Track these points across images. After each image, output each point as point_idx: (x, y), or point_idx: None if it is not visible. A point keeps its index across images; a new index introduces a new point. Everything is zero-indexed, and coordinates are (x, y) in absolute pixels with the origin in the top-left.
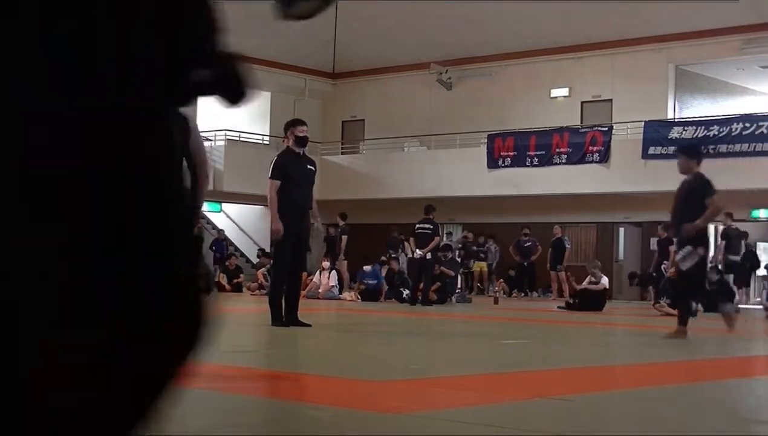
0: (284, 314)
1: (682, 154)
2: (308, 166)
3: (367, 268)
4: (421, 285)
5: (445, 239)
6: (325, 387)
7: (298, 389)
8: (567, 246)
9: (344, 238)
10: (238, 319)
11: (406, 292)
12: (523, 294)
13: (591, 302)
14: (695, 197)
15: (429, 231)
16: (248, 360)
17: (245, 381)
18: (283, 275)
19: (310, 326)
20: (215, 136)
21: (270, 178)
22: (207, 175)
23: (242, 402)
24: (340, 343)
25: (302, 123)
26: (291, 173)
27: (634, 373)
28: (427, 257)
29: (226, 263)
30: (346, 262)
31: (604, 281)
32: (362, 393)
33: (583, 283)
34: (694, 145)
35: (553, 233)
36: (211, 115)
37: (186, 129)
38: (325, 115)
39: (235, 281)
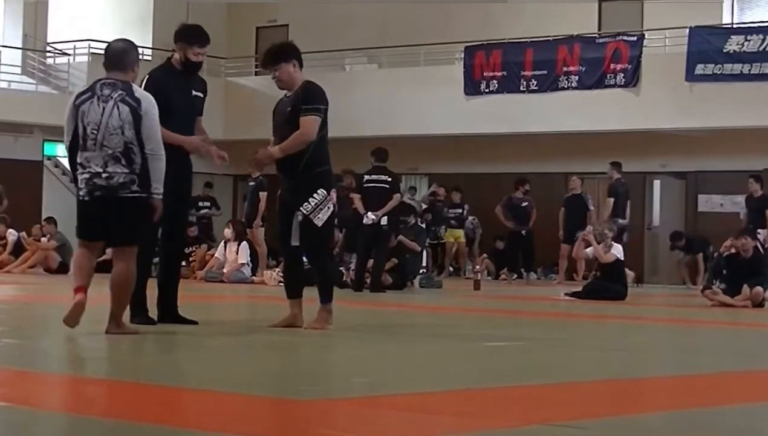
0: (158, 306)
1: (270, 58)
2: (194, 92)
3: None
4: (371, 263)
5: (405, 196)
6: (228, 408)
7: (183, 411)
8: (590, 208)
9: (262, 195)
10: (96, 311)
11: (347, 272)
12: (515, 276)
13: (604, 286)
14: (297, 116)
15: (386, 186)
16: (109, 370)
17: (104, 398)
18: (154, 244)
19: (196, 323)
20: (74, 48)
21: None
22: (160, 155)
23: (100, 430)
24: (250, 347)
25: (202, 40)
26: (169, 100)
27: (671, 388)
28: (382, 224)
29: None
30: (263, 229)
31: (617, 251)
32: (284, 417)
33: (586, 249)
34: (286, 44)
35: (569, 188)
36: (68, 20)
37: (138, 111)
38: (231, 19)
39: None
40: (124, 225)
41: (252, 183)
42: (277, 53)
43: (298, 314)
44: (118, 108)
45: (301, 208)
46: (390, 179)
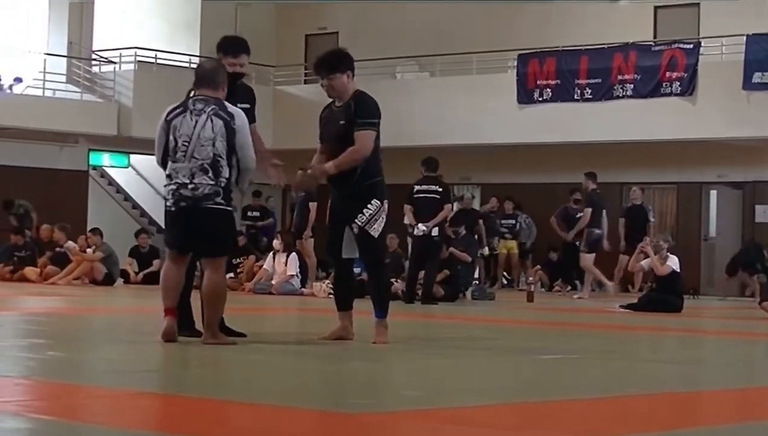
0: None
1: (325, 66)
2: (238, 105)
3: None
4: (422, 275)
5: (455, 206)
6: (277, 421)
7: (231, 425)
8: (651, 219)
9: (312, 205)
10: (144, 323)
11: (396, 284)
12: (569, 287)
13: (660, 298)
14: (352, 130)
15: (436, 196)
16: (155, 383)
17: (150, 411)
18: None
19: (244, 335)
20: (120, 56)
21: None
22: (252, 169)
23: None
24: (298, 360)
25: (235, 50)
26: None
27: (729, 402)
28: (433, 235)
29: (137, 242)
30: (313, 240)
31: (673, 262)
32: (335, 430)
33: (642, 261)
34: (341, 53)
35: (630, 199)
36: (113, 27)
37: (231, 126)
38: (281, 26)
39: (149, 269)
40: (210, 235)
41: (302, 193)
42: (333, 62)
43: (348, 326)
44: (211, 121)
45: (355, 221)
46: (441, 190)
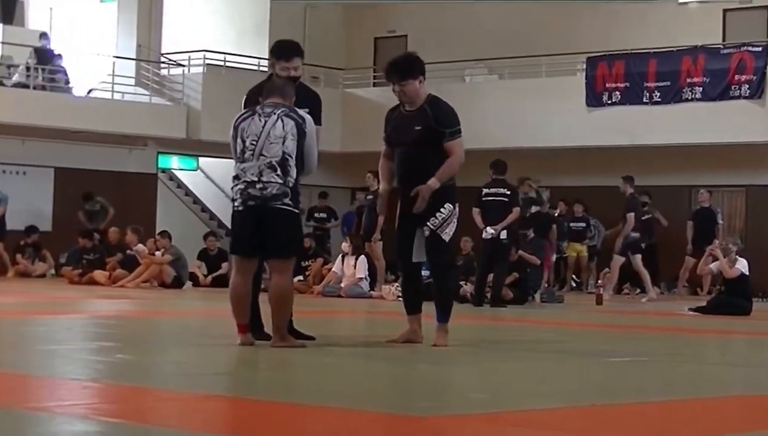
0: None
1: (397, 73)
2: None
3: None
4: (491, 278)
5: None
6: (346, 425)
7: (299, 428)
8: (719, 222)
9: None
10: (213, 326)
11: (466, 287)
12: (638, 291)
13: (729, 301)
14: (433, 138)
15: (504, 199)
16: (224, 386)
17: (219, 414)
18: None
19: (313, 338)
20: (189, 59)
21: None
22: (312, 171)
23: None
24: (367, 363)
25: (287, 55)
26: None
27: None
28: (501, 238)
29: (206, 245)
30: (381, 243)
31: (742, 265)
32: (403, 433)
33: (711, 264)
34: (413, 58)
35: (698, 201)
36: (182, 30)
37: (303, 128)
38: (350, 29)
39: (217, 272)
40: (277, 237)
41: (370, 196)
42: (405, 68)
43: (417, 329)
44: (282, 121)
45: (428, 224)
46: (509, 192)
